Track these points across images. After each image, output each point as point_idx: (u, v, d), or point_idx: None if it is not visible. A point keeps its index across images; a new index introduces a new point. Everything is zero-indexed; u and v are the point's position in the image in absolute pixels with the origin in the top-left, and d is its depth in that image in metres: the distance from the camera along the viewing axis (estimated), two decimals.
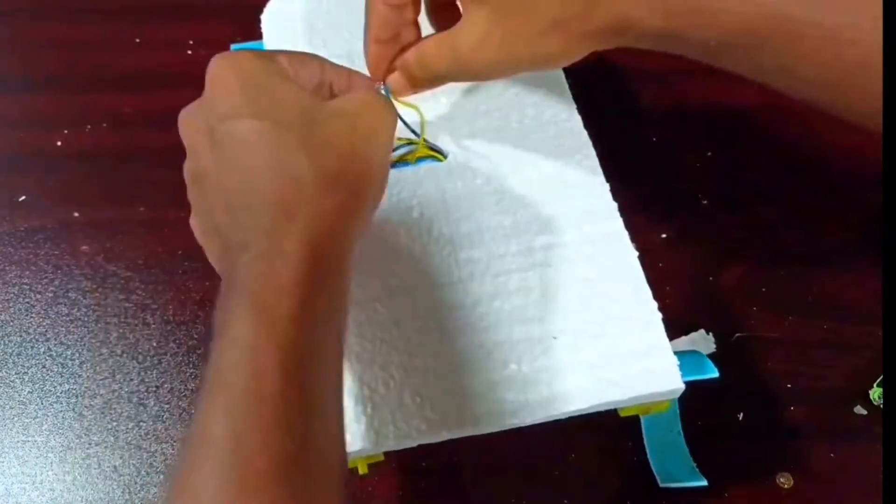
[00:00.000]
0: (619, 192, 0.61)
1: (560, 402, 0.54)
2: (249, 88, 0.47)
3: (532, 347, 0.56)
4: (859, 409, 0.68)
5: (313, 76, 0.52)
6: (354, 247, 0.49)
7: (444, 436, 0.53)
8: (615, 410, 0.57)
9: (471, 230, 0.61)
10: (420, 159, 0.64)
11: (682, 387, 0.54)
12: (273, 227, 0.44)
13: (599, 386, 0.54)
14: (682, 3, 0.47)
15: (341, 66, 0.54)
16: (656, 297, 0.57)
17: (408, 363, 0.55)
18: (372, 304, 0.58)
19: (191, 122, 0.49)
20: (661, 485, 0.63)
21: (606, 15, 0.48)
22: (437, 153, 0.64)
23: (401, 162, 0.63)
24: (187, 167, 0.50)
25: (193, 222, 0.51)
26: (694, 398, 0.56)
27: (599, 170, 0.63)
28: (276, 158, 0.46)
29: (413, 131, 0.63)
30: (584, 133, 0.65)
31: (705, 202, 0.77)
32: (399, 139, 0.62)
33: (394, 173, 0.62)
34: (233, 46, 0.76)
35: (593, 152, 0.64)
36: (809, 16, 0.45)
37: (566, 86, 0.68)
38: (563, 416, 0.54)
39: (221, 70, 0.49)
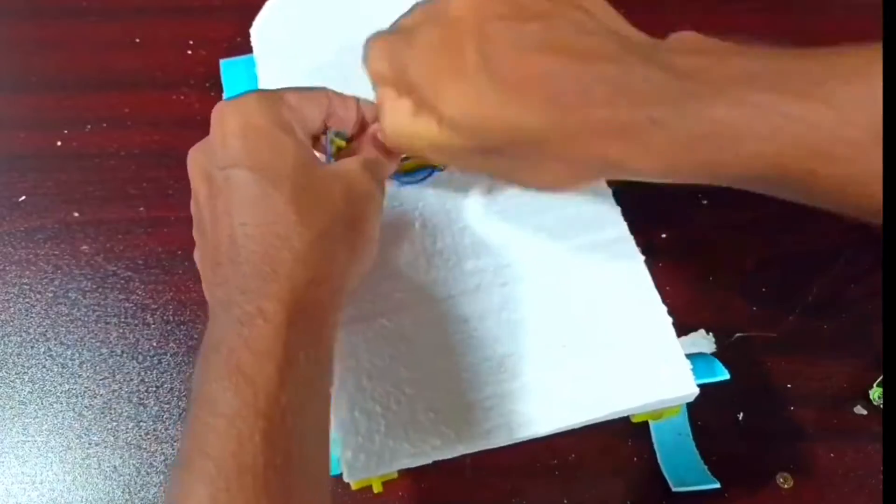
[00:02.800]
0: (620, 192, 0.61)
1: (574, 413, 0.53)
2: (249, 138, 0.47)
3: (543, 357, 0.55)
4: (859, 409, 0.68)
5: (320, 113, 0.52)
6: (341, 304, 0.49)
7: (460, 450, 0.53)
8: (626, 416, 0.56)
9: (474, 240, 0.60)
10: (420, 169, 0.64)
11: (696, 391, 0.54)
12: (255, 286, 0.44)
13: (613, 394, 0.54)
14: (681, 159, 0.44)
15: (349, 99, 0.55)
16: None
17: (419, 378, 0.55)
18: (378, 319, 0.57)
19: (195, 163, 0.49)
20: (674, 489, 0.63)
21: (604, 165, 0.47)
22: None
23: (400, 173, 0.63)
24: (192, 206, 0.50)
25: (196, 257, 0.51)
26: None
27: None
28: (265, 213, 0.45)
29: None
30: None
31: (705, 202, 0.77)
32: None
33: (393, 184, 0.63)
34: (222, 62, 0.76)
35: None
36: (819, 184, 0.44)
37: None
38: (577, 426, 0.53)
39: (224, 115, 0.48)
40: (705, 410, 0.65)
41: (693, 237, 0.75)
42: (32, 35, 0.88)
